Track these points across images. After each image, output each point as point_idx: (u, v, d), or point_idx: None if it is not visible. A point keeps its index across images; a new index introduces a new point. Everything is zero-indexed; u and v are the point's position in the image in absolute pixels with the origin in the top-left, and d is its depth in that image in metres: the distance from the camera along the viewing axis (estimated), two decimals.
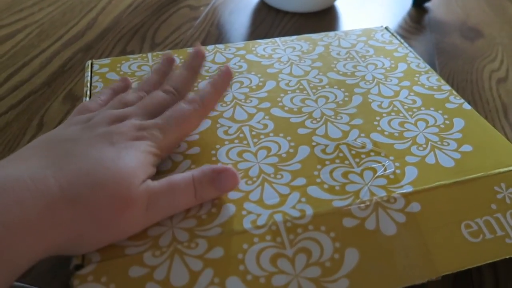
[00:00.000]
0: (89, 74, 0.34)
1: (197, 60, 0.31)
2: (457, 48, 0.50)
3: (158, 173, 0.25)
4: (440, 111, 0.31)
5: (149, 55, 0.37)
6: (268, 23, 0.55)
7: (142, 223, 0.22)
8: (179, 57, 0.36)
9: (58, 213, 0.19)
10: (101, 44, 0.49)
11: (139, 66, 0.35)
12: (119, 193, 0.20)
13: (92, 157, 0.22)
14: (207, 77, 0.34)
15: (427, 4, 0.60)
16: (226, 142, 0.28)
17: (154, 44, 0.49)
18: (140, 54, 0.37)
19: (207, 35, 0.52)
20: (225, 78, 0.29)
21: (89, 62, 0.35)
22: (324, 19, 0.55)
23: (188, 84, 0.30)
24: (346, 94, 0.33)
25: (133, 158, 0.22)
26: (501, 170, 0.26)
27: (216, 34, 0.52)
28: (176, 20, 0.55)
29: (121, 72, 0.34)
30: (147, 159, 0.23)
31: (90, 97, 0.32)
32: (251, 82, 0.34)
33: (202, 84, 0.29)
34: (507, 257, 0.23)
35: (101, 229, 0.20)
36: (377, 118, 0.30)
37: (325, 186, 0.25)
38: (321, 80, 0.34)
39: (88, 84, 0.33)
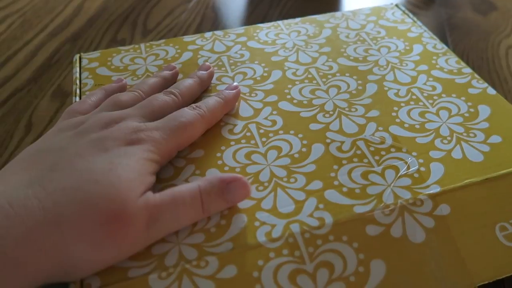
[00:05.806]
0: (78, 70, 0.31)
1: (206, 74, 0.29)
2: (469, 23, 0.47)
3: (159, 181, 0.23)
4: (463, 98, 0.28)
5: (142, 46, 0.34)
6: (267, 2, 0.51)
7: (143, 241, 0.20)
8: (175, 47, 0.33)
9: (41, 238, 0.17)
10: (89, 33, 0.45)
11: (132, 59, 0.32)
12: (112, 210, 0.18)
13: (80, 169, 0.19)
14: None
15: None
16: (232, 143, 0.25)
17: (146, 30, 0.46)
18: (132, 46, 0.34)
19: (202, 18, 0.48)
20: (234, 93, 0.28)
21: (77, 56, 0.32)
22: None
23: (193, 93, 0.27)
24: (359, 82, 0.30)
25: (128, 168, 0.20)
26: None
27: (212, 16, 0.48)
28: (169, 3, 0.51)
29: (113, 67, 0.31)
30: (145, 168, 0.21)
31: (80, 96, 0.29)
32: (255, 72, 0.31)
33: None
34: None
35: (94, 251, 0.18)
36: (395, 108, 0.28)
37: (344, 189, 0.23)
38: (331, 68, 0.31)
39: (77, 82, 0.30)
